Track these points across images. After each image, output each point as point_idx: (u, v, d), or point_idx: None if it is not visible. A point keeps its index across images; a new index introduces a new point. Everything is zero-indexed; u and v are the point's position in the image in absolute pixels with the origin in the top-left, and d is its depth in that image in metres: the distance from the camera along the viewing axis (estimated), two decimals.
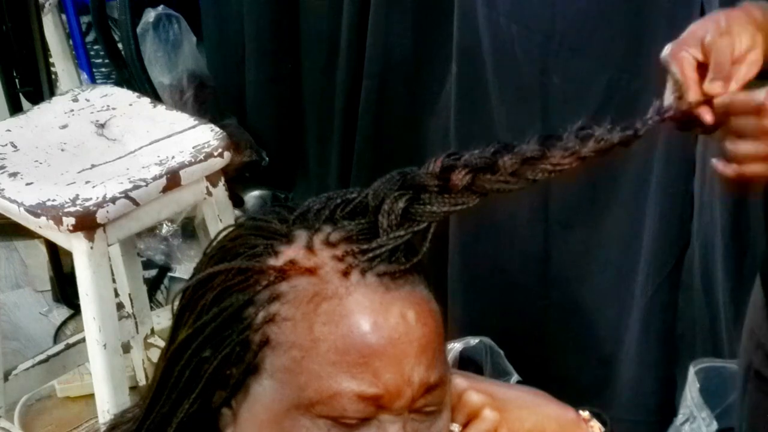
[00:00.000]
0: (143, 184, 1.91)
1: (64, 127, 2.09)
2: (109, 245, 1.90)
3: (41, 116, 2.13)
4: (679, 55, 1.12)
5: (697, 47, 1.12)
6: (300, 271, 0.86)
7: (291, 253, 0.87)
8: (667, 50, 1.15)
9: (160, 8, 3.25)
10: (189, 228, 2.94)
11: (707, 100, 1.11)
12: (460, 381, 0.96)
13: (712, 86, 1.10)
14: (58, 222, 1.84)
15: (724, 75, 1.10)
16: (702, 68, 1.12)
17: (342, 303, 0.85)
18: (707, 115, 1.10)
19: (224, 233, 0.92)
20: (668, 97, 1.13)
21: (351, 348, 0.84)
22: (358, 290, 0.85)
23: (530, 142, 0.89)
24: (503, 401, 0.98)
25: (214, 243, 0.92)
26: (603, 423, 1.03)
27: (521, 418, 0.98)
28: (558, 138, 0.89)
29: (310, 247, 0.87)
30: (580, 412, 1.02)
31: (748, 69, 1.11)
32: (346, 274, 0.86)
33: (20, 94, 2.55)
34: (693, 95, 1.10)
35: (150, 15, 3.23)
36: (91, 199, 1.86)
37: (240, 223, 0.93)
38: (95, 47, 3.05)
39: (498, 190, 0.87)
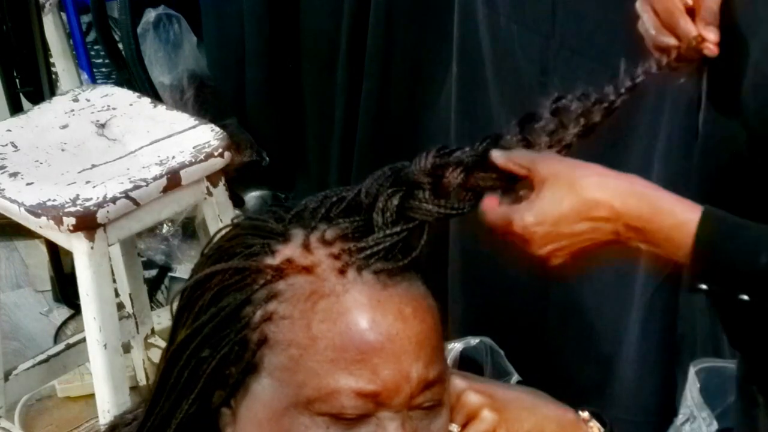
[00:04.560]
0: (144, 184, 1.91)
1: (65, 127, 2.09)
2: (109, 245, 1.90)
3: (41, 116, 2.13)
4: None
5: None
6: (297, 270, 0.86)
7: (288, 251, 0.87)
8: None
9: (161, 8, 3.25)
10: (189, 228, 2.93)
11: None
12: (459, 381, 0.96)
13: (708, 32, 1.08)
14: (59, 222, 1.84)
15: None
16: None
17: (339, 300, 0.85)
18: (711, 35, 1.08)
19: (221, 233, 0.93)
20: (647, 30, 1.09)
21: (349, 345, 0.84)
22: (355, 287, 0.85)
23: (511, 131, 0.88)
24: (502, 402, 0.98)
25: (212, 243, 0.92)
26: (603, 423, 1.03)
27: (520, 418, 0.98)
28: (536, 119, 0.87)
29: (306, 246, 0.87)
30: (580, 412, 1.02)
31: None
32: (342, 271, 0.86)
33: (20, 94, 2.54)
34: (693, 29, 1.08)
35: (150, 15, 3.23)
36: (91, 199, 1.86)
37: (237, 222, 0.93)
38: (95, 47, 3.04)
39: (492, 187, 0.87)
